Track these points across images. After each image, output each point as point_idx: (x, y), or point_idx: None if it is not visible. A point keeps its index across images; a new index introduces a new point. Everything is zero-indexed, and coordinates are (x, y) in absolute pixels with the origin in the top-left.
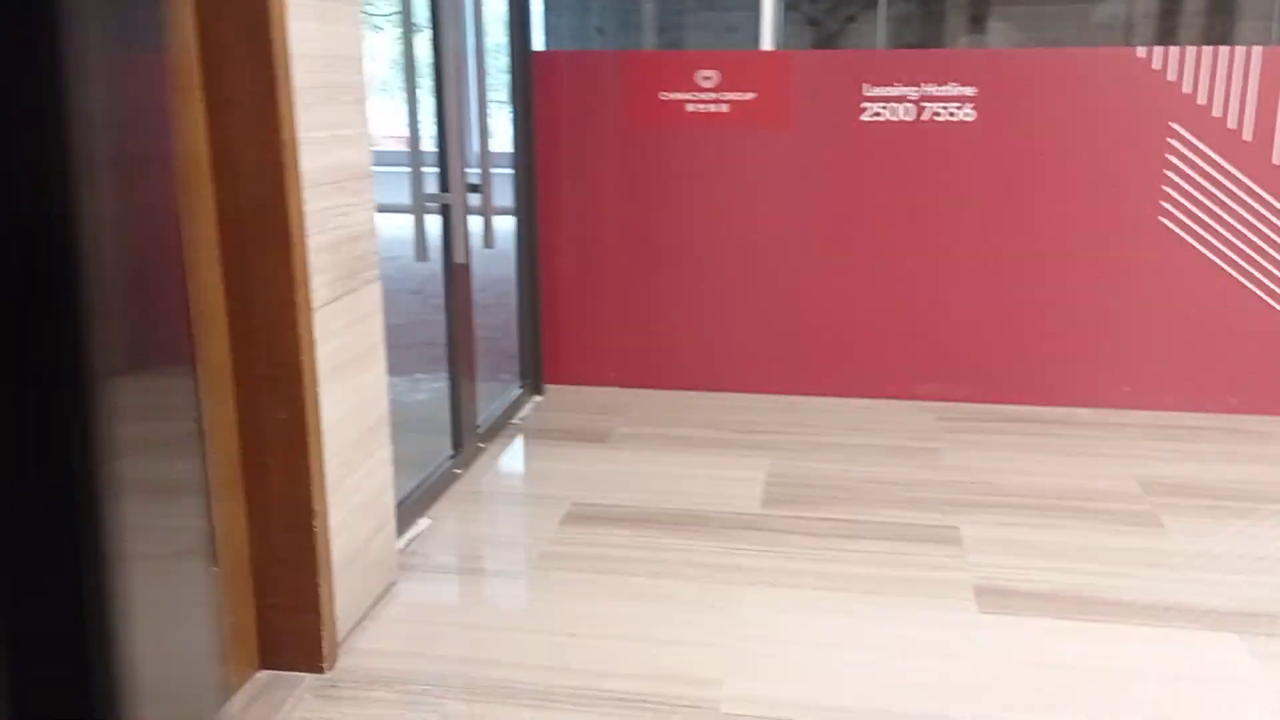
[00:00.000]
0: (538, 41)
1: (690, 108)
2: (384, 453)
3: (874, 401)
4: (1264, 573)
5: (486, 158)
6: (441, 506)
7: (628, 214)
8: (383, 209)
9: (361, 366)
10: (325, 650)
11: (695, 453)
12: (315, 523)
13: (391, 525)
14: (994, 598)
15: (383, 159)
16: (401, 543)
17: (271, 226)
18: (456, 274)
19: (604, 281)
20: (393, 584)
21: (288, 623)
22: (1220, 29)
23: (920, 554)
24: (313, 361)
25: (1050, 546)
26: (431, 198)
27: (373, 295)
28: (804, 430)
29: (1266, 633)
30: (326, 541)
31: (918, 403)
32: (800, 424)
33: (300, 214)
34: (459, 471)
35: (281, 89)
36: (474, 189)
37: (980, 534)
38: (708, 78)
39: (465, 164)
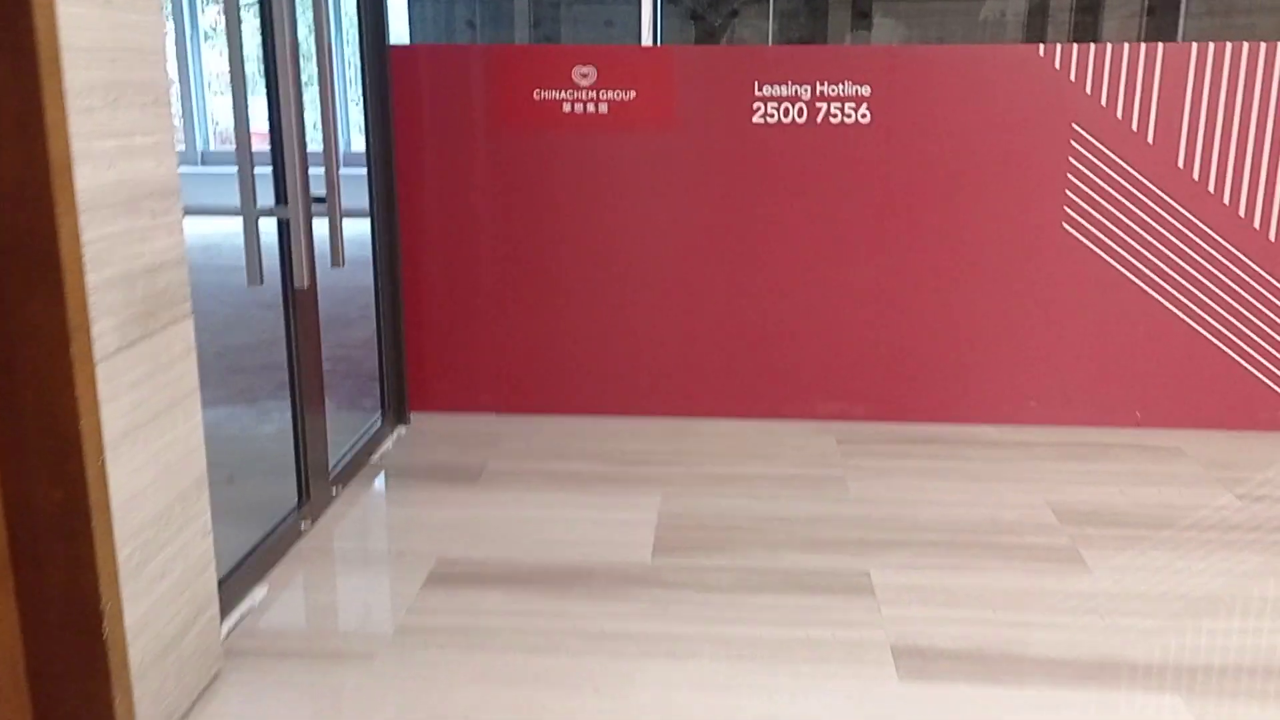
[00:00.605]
0: (401, 35)
1: (567, 108)
2: (201, 521)
3: (771, 423)
4: (1195, 614)
5: (333, 164)
6: (283, 570)
7: (501, 223)
8: (236, 213)
9: (168, 423)
10: None
11: (578, 491)
12: (105, 623)
13: (214, 607)
14: (914, 661)
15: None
16: (231, 622)
17: (38, 262)
18: (299, 300)
19: (475, 297)
20: (217, 675)
21: None
22: (1091, 24)
23: (830, 608)
24: (97, 425)
25: (969, 592)
26: (266, 211)
27: (182, 335)
28: (697, 459)
29: (1213, 691)
30: (122, 642)
31: (817, 423)
32: (693, 451)
33: (76, 244)
34: (306, 525)
35: (49, 90)
36: (320, 200)
37: (893, 580)
38: (585, 75)
39: (307, 171)
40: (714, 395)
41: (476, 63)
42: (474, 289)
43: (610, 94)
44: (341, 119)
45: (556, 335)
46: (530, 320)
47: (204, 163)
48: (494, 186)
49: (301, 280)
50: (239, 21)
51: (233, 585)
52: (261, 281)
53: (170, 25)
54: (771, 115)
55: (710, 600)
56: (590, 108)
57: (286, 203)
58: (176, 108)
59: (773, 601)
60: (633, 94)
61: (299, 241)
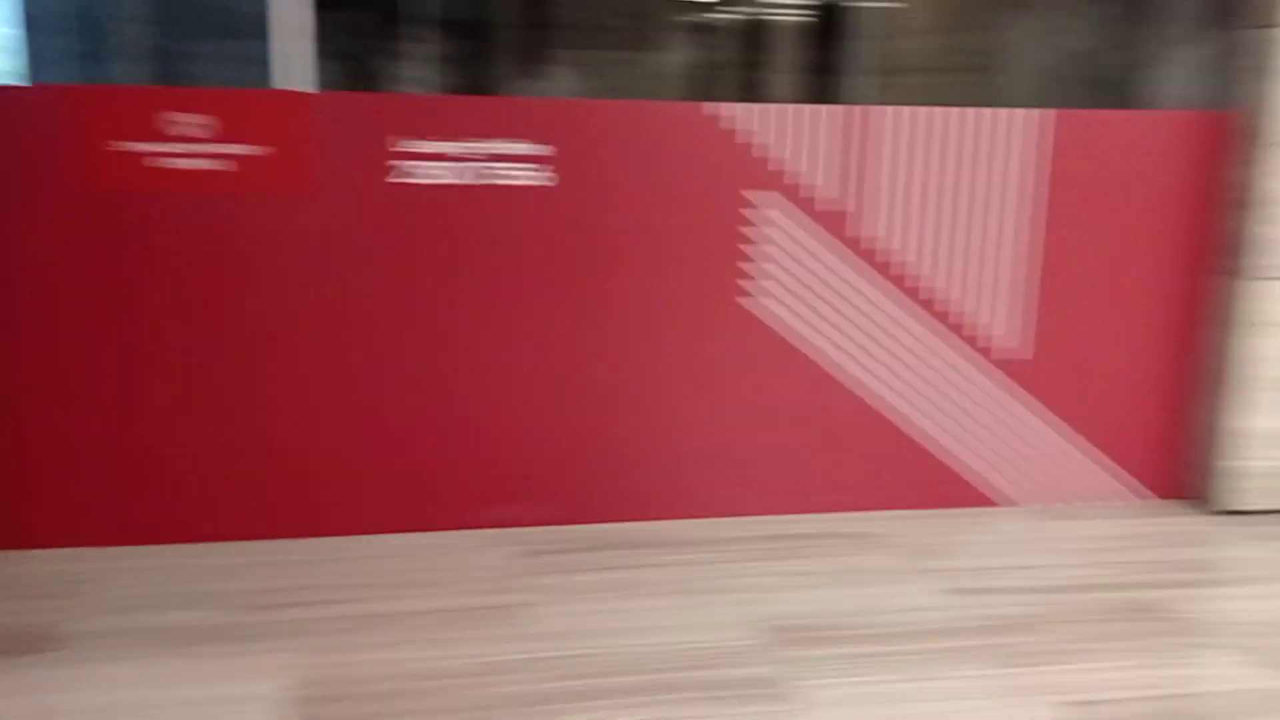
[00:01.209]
0: (17, 70)
1: (166, 163)
2: None
3: (437, 536)
4: None
5: None
6: None
7: (87, 308)
8: None
9: None
10: None
11: (181, 657)
12: None
13: None
14: None
15: None
16: None
17: None
18: None
19: (47, 397)
20: None
21: None
22: (760, 80)
23: None
24: None
25: None
26: None
27: None
28: (346, 593)
29: None
30: None
31: (492, 532)
32: (340, 583)
33: None
34: None
35: None
36: None
37: None
38: (187, 123)
39: None
40: (365, 507)
41: (39, 107)
42: (50, 392)
43: (226, 148)
44: None
45: (161, 443)
46: (125, 424)
47: None
48: (74, 266)
49: None
50: None
51: None
52: None
53: None
54: (429, 175)
55: None
56: (201, 164)
57: None
58: None
59: None
60: (255, 149)
61: None
